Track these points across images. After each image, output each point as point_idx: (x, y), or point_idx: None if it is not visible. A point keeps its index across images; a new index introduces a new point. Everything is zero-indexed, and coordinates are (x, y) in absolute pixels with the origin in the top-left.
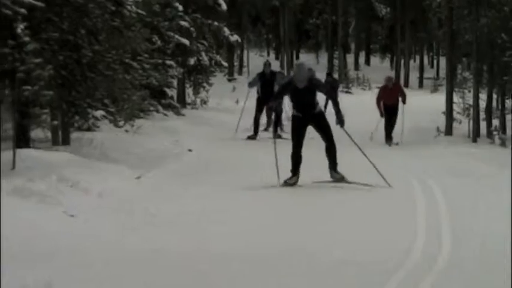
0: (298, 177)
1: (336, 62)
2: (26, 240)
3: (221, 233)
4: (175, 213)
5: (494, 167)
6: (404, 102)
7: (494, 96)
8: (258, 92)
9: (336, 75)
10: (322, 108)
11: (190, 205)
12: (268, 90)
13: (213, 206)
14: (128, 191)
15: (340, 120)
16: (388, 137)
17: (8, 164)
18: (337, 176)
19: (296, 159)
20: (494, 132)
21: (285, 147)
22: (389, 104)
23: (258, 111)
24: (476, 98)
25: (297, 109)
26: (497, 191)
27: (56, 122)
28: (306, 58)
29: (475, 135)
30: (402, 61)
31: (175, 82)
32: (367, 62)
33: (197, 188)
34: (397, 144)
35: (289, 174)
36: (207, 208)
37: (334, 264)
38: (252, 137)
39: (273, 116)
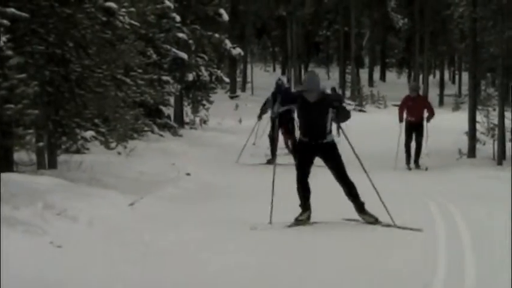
0: (310, 212)
1: (348, 77)
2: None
3: (222, 265)
4: (172, 243)
5: None
6: (430, 118)
7: None
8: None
9: (347, 92)
10: (335, 138)
11: (188, 234)
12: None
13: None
14: (120, 218)
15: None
16: (412, 160)
17: None
18: (370, 220)
19: (303, 192)
20: None
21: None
22: (412, 120)
23: (274, 132)
24: (501, 117)
25: (303, 132)
26: None
27: (41, 144)
28: None
29: (501, 158)
30: (421, 76)
31: (172, 100)
32: (383, 77)
33: (195, 216)
34: (426, 169)
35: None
36: (206, 237)
37: None
38: (271, 161)
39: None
